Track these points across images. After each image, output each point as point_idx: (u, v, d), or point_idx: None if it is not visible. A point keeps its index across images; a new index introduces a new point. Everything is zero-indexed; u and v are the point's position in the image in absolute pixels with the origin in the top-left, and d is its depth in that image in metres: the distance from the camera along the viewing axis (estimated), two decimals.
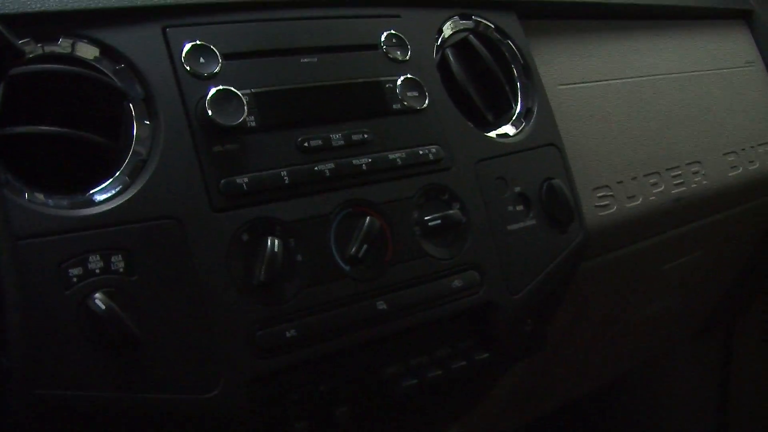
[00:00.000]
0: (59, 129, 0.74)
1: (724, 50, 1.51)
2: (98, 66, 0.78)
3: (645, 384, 1.98)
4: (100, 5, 0.78)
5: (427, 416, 1.03)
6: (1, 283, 0.40)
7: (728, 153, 1.41)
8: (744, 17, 1.59)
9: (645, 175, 1.24)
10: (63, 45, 0.76)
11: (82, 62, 0.77)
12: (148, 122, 0.78)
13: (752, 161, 1.45)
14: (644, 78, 1.32)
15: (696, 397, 1.96)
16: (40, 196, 0.72)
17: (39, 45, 0.75)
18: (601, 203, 1.17)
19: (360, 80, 0.90)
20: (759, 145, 1.47)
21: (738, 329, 1.90)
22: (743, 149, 1.44)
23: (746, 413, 1.91)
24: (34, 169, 0.74)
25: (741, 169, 1.42)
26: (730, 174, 1.39)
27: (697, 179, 1.33)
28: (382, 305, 0.86)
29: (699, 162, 1.34)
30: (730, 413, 1.92)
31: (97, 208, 0.73)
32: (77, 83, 0.76)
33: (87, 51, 0.77)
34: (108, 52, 0.78)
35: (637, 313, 1.52)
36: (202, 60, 0.81)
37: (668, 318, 1.68)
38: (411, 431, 1.05)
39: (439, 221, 0.91)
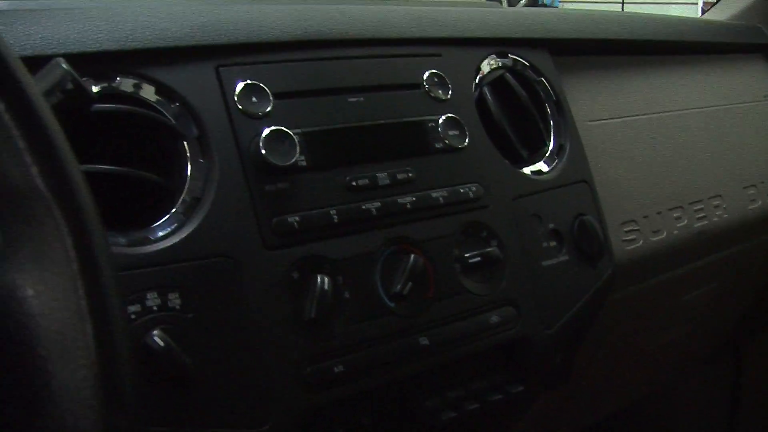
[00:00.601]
0: (120, 168, 0.75)
1: (743, 84, 1.54)
2: (158, 107, 0.79)
3: (655, 409, 1.99)
4: (158, 45, 0.80)
5: None
6: (117, 343, 0.40)
7: (748, 186, 1.43)
8: (762, 51, 1.62)
9: (669, 210, 1.26)
10: (124, 84, 0.78)
11: (141, 102, 0.78)
12: (201, 161, 0.80)
13: None
14: (668, 113, 1.34)
15: (706, 422, 1.97)
16: None
17: (101, 84, 0.77)
18: (628, 237, 1.19)
19: (404, 119, 0.92)
20: None
21: (748, 354, 1.91)
22: (762, 182, 1.46)
23: None
24: None
25: (760, 202, 1.44)
26: (749, 207, 1.42)
27: (718, 213, 1.35)
28: (424, 341, 0.87)
29: (720, 196, 1.36)
30: None
31: (154, 246, 0.74)
32: (138, 122, 0.77)
33: (149, 91, 0.79)
34: (164, 91, 0.80)
35: (652, 342, 1.54)
36: (254, 99, 0.83)
37: (681, 344, 1.70)
38: None
39: (478, 258, 0.92)
